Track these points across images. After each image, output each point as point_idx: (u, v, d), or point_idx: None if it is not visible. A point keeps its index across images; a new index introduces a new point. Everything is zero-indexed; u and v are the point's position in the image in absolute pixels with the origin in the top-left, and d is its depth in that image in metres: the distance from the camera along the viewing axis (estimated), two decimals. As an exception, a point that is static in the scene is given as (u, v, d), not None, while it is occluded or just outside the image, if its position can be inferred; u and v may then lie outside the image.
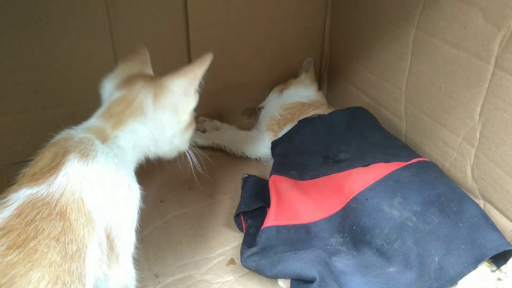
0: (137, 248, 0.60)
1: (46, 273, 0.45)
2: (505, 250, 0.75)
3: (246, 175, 1.00)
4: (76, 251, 0.48)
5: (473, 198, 0.85)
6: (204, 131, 1.18)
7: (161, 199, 0.97)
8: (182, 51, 1.10)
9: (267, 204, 0.90)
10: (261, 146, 1.08)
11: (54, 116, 1.04)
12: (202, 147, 1.13)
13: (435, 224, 0.78)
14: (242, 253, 0.80)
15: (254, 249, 0.79)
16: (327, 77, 1.32)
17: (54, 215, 0.48)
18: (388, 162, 0.88)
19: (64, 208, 0.49)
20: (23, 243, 0.45)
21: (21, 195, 0.49)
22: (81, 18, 0.96)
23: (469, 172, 0.87)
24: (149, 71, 0.71)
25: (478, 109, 0.82)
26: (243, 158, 1.11)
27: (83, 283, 0.48)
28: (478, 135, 0.83)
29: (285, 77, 1.26)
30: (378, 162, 0.88)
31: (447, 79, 0.88)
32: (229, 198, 0.98)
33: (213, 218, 0.93)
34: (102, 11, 0.97)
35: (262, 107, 1.22)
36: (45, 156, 0.55)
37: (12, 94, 0.99)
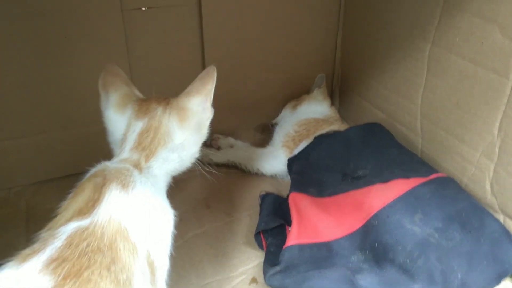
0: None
1: None
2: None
3: (264, 193, 1.00)
4: (126, 279, 0.49)
5: (492, 213, 0.85)
6: (218, 148, 1.18)
7: (180, 217, 0.97)
8: (197, 69, 1.09)
9: (286, 221, 0.90)
10: (276, 163, 1.09)
11: (72, 137, 1.04)
12: (217, 165, 1.13)
13: (457, 240, 0.78)
14: (265, 272, 0.80)
15: (277, 268, 0.78)
16: (339, 93, 1.33)
17: (103, 246, 0.49)
18: (408, 178, 0.88)
19: (111, 238, 0.50)
20: (77, 273, 0.46)
21: (69, 228, 0.50)
22: (99, 39, 0.97)
23: (488, 187, 0.87)
24: (134, 89, 0.72)
25: (497, 124, 0.83)
26: (259, 175, 1.12)
27: None
28: (497, 150, 0.84)
29: (298, 93, 1.28)
30: (397, 178, 0.88)
31: (464, 94, 0.88)
32: (247, 216, 0.98)
33: (233, 237, 0.93)
34: (120, 31, 0.98)
35: (276, 123, 1.22)
36: (86, 189, 0.56)
37: (30, 116, 1.00)
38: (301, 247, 0.81)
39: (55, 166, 1.09)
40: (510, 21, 0.77)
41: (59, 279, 0.45)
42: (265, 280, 0.78)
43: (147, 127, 0.64)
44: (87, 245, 0.49)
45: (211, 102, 0.70)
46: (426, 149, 1.02)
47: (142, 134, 0.64)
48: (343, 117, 1.28)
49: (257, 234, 0.90)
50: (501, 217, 0.85)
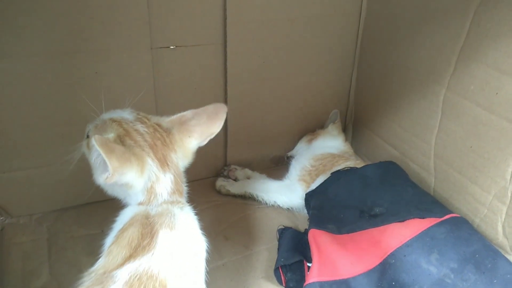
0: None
1: None
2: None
3: (282, 227, 1.03)
4: None
5: (504, 254, 0.88)
6: (235, 180, 1.21)
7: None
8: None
9: (305, 257, 0.93)
10: (293, 197, 1.12)
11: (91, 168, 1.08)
12: (235, 196, 1.16)
13: (472, 281, 0.81)
14: (286, 308, 0.82)
15: (299, 305, 0.81)
16: (352, 128, 1.37)
17: (158, 286, 0.53)
18: (423, 218, 0.91)
19: (165, 279, 0.53)
20: None
21: (125, 272, 0.53)
22: (128, 75, 1.01)
23: (500, 228, 0.90)
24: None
25: (510, 170, 0.86)
26: (275, 208, 1.15)
27: None
28: (509, 194, 0.87)
29: (313, 127, 1.32)
30: (413, 218, 0.91)
31: (478, 139, 0.93)
32: (266, 250, 1.01)
33: (252, 270, 0.96)
34: (148, 68, 1.02)
35: (291, 156, 1.26)
36: (131, 234, 0.60)
37: (53, 147, 1.03)
38: (321, 284, 0.84)
39: (74, 194, 1.11)
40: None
41: None
42: (286, 316, 0.81)
43: (175, 177, 0.69)
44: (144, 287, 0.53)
45: None
46: (439, 189, 1.05)
47: (176, 183, 0.69)
48: (356, 151, 1.32)
49: (276, 270, 0.93)
50: (512, 258, 0.89)
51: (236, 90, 1.14)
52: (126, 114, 0.71)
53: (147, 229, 0.60)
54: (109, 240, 0.61)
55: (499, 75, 0.86)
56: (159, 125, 0.70)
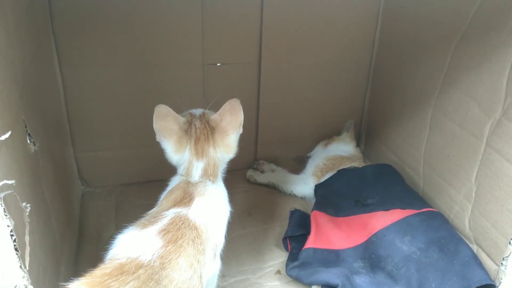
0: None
1: (187, 260, 0.74)
2: (488, 284, 0.99)
3: (293, 209, 1.29)
4: (202, 249, 0.78)
5: (469, 243, 1.10)
6: (262, 172, 1.50)
7: (228, 221, 1.28)
8: (252, 112, 1.45)
9: (308, 232, 1.19)
10: (306, 188, 1.38)
11: (153, 153, 1.39)
12: (261, 184, 1.45)
13: (434, 259, 1.04)
14: (286, 266, 1.09)
15: (296, 263, 1.08)
16: (365, 137, 1.61)
17: (191, 227, 0.79)
18: (404, 209, 1.14)
19: (196, 224, 0.80)
20: (175, 240, 0.75)
21: (171, 212, 0.80)
22: (183, 86, 1.32)
23: (467, 222, 1.12)
24: (183, 121, 0.91)
25: (474, 175, 1.08)
26: (291, 196, 1.41)
27: (204, 269, 0.78)
28: (473, 195, 1.09)
29: (330, 134, 1.57)
30: (395, 208, 1.15)
31: (453, 150, 1.15)
32: (279, 226, 1.28)
33: (266, 239, 1.23)
34: (199, 80, 1.33)
35: (310, 156, 1.52)
36: (177, 192, 0.86)
37: (126, 133, 1.35)
38: (315, 250, 1.10)
39: (137, 173, 1.43)
40: (485, 99, 1.04)
41: (165, 242, 0.74)
42: (286, 272, 1.08)
43: (207, 165, 0.89)
44: (182, 224, 0.78)
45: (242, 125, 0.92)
46: (426, 189, 1.28)
47: (206, 169, 0.89)
48: (366, 156, 1.56)
49: (284, 239, 1.20)
50: (475, 247, 1.10)
51: (267, 101, 1.42)
52: (197, 111, 0.94)
53: (187, 193, 0.85)
54: (162, 196, 0.90)
55: (468, 99, 1.09)
56: (209, 123, 0.90)
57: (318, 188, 1.32)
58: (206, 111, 0.94)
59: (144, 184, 1.43)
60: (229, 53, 1.34)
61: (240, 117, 0.90)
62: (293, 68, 1.41)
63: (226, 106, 0.90)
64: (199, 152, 0.89)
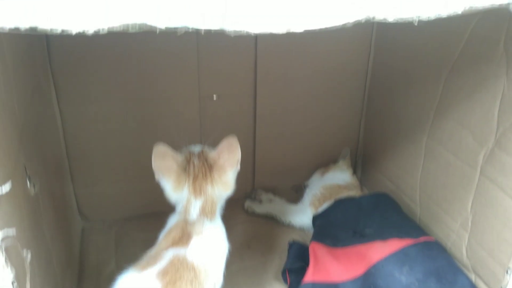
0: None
1: None
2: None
3: (292, 241, 1.30)
4: None
5: (467, 272, 1.10)
6: (260, 201, 1.50)
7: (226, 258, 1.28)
8: (249, 143, 1.47)
9: (307, 264, 1.19)
10: (304, 218, 1.39)
11: (152, 186, 1.41)
12: (259, 215, 1.45)
13: (433, 289, 1.05)
14: (286, 300, 1.09)
15: (295, 297, 1.08)
16: (362, 164, 1.63)
17: (189, 268, 0.80)
18: (401, 238, 1.15)
19: (194, 264, 0.81)
20: (174, 282, 0.76)
21: (169, 252, 0.81)
22: (180, 119, 1.34)
23: (464, 251, 1.13)
24: (182, 159, 0.93)
25: (470, 204, 1.09)
26: (290, 227, 1.42)
27: None
28: (470, 223, 1.10)
29: (327, 161, 1.58)
30: (393, 237, 1.16)
31: (448, 178, 1.16)
32: (278, 258, 1.28)
33: (265, 272, 1.23)
34: (195, 113, 1.35)
35: (307, 185, 1.53)
36: (175, 231, 0.87)
37: (125, 169, 1.37)
38: (314, 284, 1.10)
39: (137, 206, 1.44)
40: (478, 128, 1.06)
41: (164, 284, 0.75)
42: (286, 305, 1.08)
43: (205, 203, 0.89)
44: (180, 265, 0.79)
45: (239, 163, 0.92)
46: (423, 217, 1.29)
47: (204, 207, 0.89)
48: (363, 183, 1.58)
49: (283, 272, 1.20)
50: (473, 276, 1.10)
51: (263, 131, 1.44)
52: (196, 148, 0.95)
53: (185, 231, 0.86)
54: (161, 236, 0.91)
55: (461, 128, 1.11)
56: (207, 160, 0.91)
57: (316, 219, 1.33)
58: (205, 148, 0.95)
59: (144, 216, 1.43)
60: (225, 85, 1.36)
61: (237, 154, 0.91)
62: (288, 100, 1.44)
63: (224, 143, 0.91)
64: (197, 190, 0.90)
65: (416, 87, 1.27)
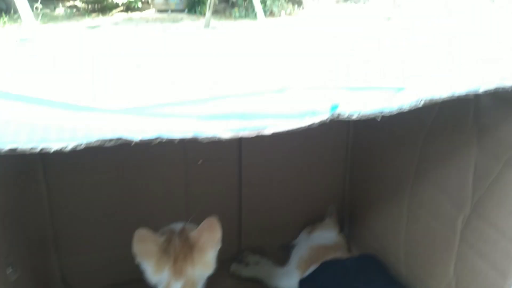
0: None
1: None
2: None
3: (279, 306, 1.29)
4: None
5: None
6: (247, 264, 1.50)
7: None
8: (235, 205, 1.48)
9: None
10: (291, 282, 1.38)
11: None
12: (245, 278, 1.45)
13: None
14: None
15: None
16: (348, 222, 1.64)
17: None
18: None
19: None
20: None
21: None
22: (164, 185, 1.36)
23: (449, 314, 1.13)
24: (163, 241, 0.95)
25: (452, 268, 1.10)
26: (277, 290, 1.41)
27: None
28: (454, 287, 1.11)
29: (314, 219, 1.59)
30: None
31: (430, 241, 1.18)
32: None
33: None
34: (181, 178, 1.37)
35: (295, 244, 1.53)
36: None
37: (110, 238, 1.36)
38: None
39: (123, 273, 1.41)
40: (455, 194, 1.09)
41: None
42: None
43: (185, 284, 0.89)
44: None
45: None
46: (409, 279, 1.28)
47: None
48: (351, 240, 1.58)
49: None
50: None
51: (249, 193, 1.46)
52: (177, 226, 0.96)
53: None
54: None
55: (439, 193, 1.13)
56: (188, 240, 0.91)
57: (302, 283, 1.33)
58: (187, 225, 0.97)
59: (131, 282, 1.39)
60: (210, 151, 1.39)
61: (218, 234, 0.92)
62: (273, 162, 1.46)
63: (204, 224, 0.93)
64: (177, 272, 0.90)
65: (396, 149, 1.31)
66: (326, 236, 1.51)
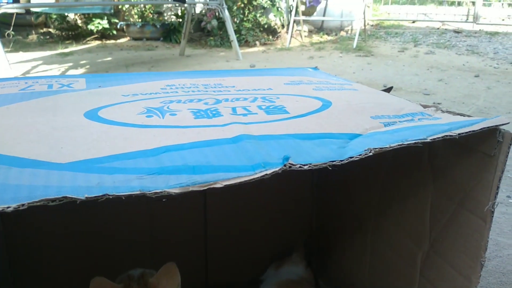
0: None
1: None
2: None
3: None
4: None
5: None
6: (215, 303, 1.48)
7: None
8: (200, 242, 1.47)
9: None
10: (260, 318, 1.37)
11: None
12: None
13: None
14: None
15: None
16: (316, 257, 1.64)
17: None
18: None
19: None
20: None
21: None
22: (128, 230, 1.35)
23: None
24: None
25: (415, 303, 1.12)
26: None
27: None
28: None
29: (282, 252, 1.59)
30: None
31: (393, 277, 1.19)
32: None
33: None
34: (146, 219, 1.36)
35: (263, 280, 1.53)
36: None
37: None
38: None
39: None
40: (414, 231, 1.11)
41: None
42: None
43: None
44: None
45: None
46: (374, 313, 1.30)
47: None
48: (318, 275, 1.59)
49: None
50: None
51: (214, 229, 1.46)
52: (136, 272, 0.95)
53: None
54: None
55: (400, 229, 1.16)
56: (147, 286, 0.90)
57: (269, 320, 1.32)
58: (146, 271, 0.95)
59: None
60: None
61: (177, 280, 0.91)
62: (239, 204, 1.48)
63: (163, 270, 0.91)
64: None
65: (358, 188, 1.34)
66: (293, 271, 1.51)
